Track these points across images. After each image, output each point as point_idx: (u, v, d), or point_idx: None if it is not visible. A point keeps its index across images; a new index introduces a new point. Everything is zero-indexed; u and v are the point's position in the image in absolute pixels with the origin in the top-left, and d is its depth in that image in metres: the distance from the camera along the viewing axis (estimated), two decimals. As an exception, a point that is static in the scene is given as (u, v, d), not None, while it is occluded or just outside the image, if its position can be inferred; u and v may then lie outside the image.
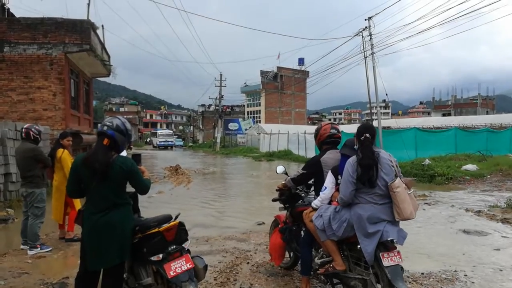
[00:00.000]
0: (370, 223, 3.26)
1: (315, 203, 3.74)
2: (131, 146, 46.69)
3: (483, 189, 12.08)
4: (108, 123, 3.23)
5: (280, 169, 4.84)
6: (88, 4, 14.92)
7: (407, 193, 3.29)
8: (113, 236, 3.09)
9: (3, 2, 14.25)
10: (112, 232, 3.08)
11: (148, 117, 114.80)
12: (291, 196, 4.50)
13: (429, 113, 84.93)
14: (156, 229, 3.22)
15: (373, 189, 3.31)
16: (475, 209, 8.78)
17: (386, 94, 18.84)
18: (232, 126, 57.06)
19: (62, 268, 5.20)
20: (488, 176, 14.14)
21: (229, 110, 64.74)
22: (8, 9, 14.68)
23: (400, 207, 3.23)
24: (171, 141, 57.18)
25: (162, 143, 55.31)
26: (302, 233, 4.19)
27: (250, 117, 63.72)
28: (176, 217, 3.41)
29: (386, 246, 3.25)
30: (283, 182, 4.48)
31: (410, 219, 3.30)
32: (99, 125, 3.47)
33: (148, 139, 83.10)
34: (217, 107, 49.39)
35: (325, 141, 4.12)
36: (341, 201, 3.42)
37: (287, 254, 4.77)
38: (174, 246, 3.22)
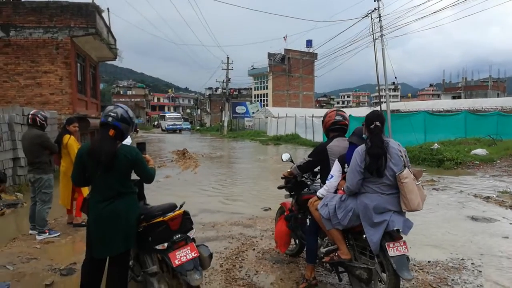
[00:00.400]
0: (376, 213, 3.22)
1: (321, 191, 3.70)
2: (137, 129, 46.92)
3: (492, 174, 11.96)
4: (112, 114, 3.19)
5: (285, 156, 4.79)
6: (93, -13, 14.73)
7: (415, 184, 3.24)
8: (118, 225, 3.10)
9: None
10: (117, 221, 3.09)
11: (155, 100, 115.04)
12: (297, 183, 4.46)
13: (439, 96, 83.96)
14: (161, 218, 3.21)
15: (380, 179, 3.26)
16: (484, 195, 8.69)
17: (395, 77, 18.60)
18: (240, 109, 56.90)
19: (70, 253, 5.27)
20: (498, 161, 13.97)
21: (236, 93, 64.54)
22: (13, -8, 14.57)
23: (408, 198, 3.19)
24: (180, 125, 56.61)
25: (171, 126, 54.81)
26: (308, 221, 4.16)
27: (258, 101, 63.49)
28: (181, 206, 3.40)
29: (392, 236, 3.22)
30: (289, 169, 4.44)
31: (417, 210, 3.25)
32: (102, 114, 3.44)
33: (156, 122, 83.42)
34: (224, 90, 49.25)
35: (331, 128, 4.06)
36: (348, 190, 3.38)
37: (292, 241, 4.76)
38: (179, 235, 3.22)
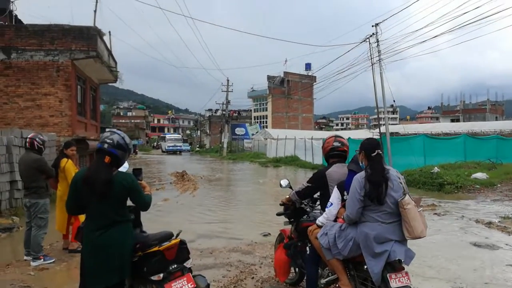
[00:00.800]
0: (377, 243, 3.15)
1: (320, 220, 3.63)
2: (137, 151, 46.86)
3: (493, 199, 11.86)
4: (108, 140, 3.15)
5: (284, 182, 4.74)
6: (95, 11, 15.00)
7: (417, 211, 3.18)
8: (112, 255, 3.01)
9: (11, 9, 14.33)
10: (111, 251, 3.01)
11: (155, 121, 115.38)
12: (296, 210, 4.39)
13: (437, 119, 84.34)
14: (157, 248, 3.13)
15: (381, 206, 3.20)
16: (485, 220, 8.58)
17: (394, 101, 18.74)
18: (239, 131, 57.02)
19: (65, 281, 5.15)
20: (499, 185, 13.89)
21: (236, 115, 64.85)
22: (16, 15, 14.79)
23: (411, 225, 3.12)
24: (180, 146, 56.35)
25: (171, 147, 54.61)
26: (308, 249, 4.07)
27: (257, 122, 63.70)
28: (178, 234, 3.32)
29: (394, 266, 3.14)
30: (288, 196, 4.38)
31: (420, 237, 3.18)
32: (100, 138, 3.40)
33: (155, 144, 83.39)
34: (224, 112, 49.44)
35: (330, 154, 4.04)
36: (347, 219, 3.31)
37: (292, 270, 4.65)
38: (175, 265, 3.13)
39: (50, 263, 5.71)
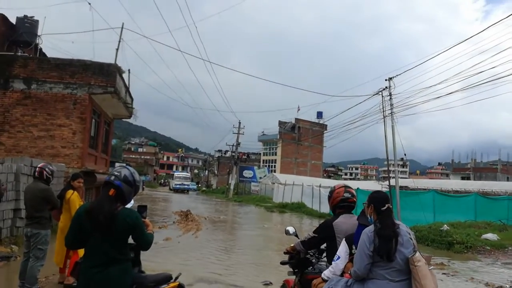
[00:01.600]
0: (384, 303, 3.00)
1: (326, 273, 3.50)
2: (144, 187, 46.74)
3: (504, 262, 11.43)
4: (116, 173, 3.14)
5: (291, 229, 4.64)
6: (117, 49, 15.52)
7: (428, 269, 3.06)
8: (109, 294, 2.90)
9: (37, 42, 14.92)
10: (107, 289, 2.90)
11: (165, 158, 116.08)
12: (301, 260, 4.25)
13: (447, 175, 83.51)
14: (154, 291, 3.03)
15: (390, 263, 3.08)
16: (496, 284, 8.24)
17: (405, 154, 18.61)
18: (247, 173, 56.84)
19: (56, 317, 4.96)
20: (510, 248, 13.43)
21: (245, 157, 64.89)
22: (41, 49, 15.35)
23: (422, 283, 2.98)
24: (187, 185, 55.09)
25: (178, 186, 53.52)
26: (311, 303, 3.90)
27: (266, 166, 63.62)
28: (177, 277, 3.22)
29: (402, 329, 2.97)
30: (292, 244, 4.26)
31: None
32: (114, 167, 3.40)
33: (163, 180, 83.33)
34: (233, 154, 49.61)
35: (339, 205, 3.95)
36: (355, 274, 3.18)
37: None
38: (172, 310, 3.01)
39: (44, 297, 5.55)
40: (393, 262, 3.06)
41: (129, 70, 17.02)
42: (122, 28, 16.98)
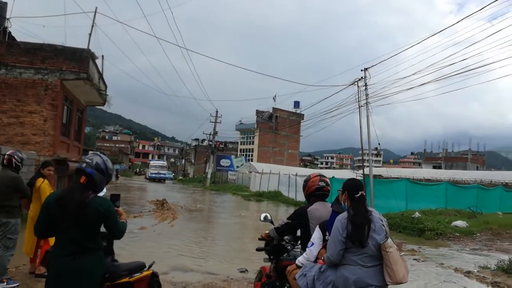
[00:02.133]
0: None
1: (300, 260, 3.54)
2: (118, 175, 45.99)
3: (472, 248, 11.85)
4: (88, 160, 3.06)
5: (264, 216, 4.65)
6: (90, 34, 15.09)
7: (399, 255, 3.13)
8: (79, 283, 2.85)
9: (5, 25, 14.33)
10: (79, 279, 2.84)
11: (140, 147, 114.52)
12: (277, 247, 4.28)
13: (419, 164, 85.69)
14: (127, 279, 2.99)
15: (362, 249, 3.13)
16: (464, 269, 8.53)
17: (379, 144, 18.96)
18: (224, 162, 56.71)
19: (26, 308, 4.85)
20: (478, 234, 13.93)
21: (222, 146, 64.70)
22: (10, 32, 14.76)
23: (393, 269, 3.05)
24: (164, 174, 53.62)
25: (154, 175, 51.84)
26: (285, 289, 3.94)
27: (243, 155, 63.67)
28: (150, 266, 3.18)
29: (373, 313, 3.03)
30: (267, 231, 4.28)
31: (402, 282, 3.10)
32: (87, 155, 3.31)
33: (138, 169, 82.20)
34: (211, 143, 49.39)
35: (313, 194, 3.99)
36: (328, 260, 3.23)
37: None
38: (145, 299, 2.98)
39: (14, 287, 5.41)
40: (366, 248, 3.12)
41: (102, 56, 16.63)
42: (95, 12, 16.51)
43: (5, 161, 5.78)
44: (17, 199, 5.70)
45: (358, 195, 3.28)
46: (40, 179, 6.03)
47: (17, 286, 5.47)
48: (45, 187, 5.96)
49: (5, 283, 5.40)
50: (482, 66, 15.08)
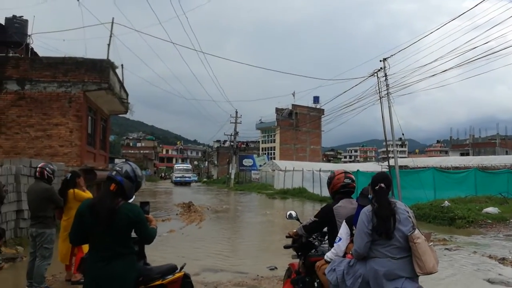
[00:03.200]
0: (388, 280, 3.05)
1: (328, 255, 3.55)
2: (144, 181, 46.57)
3: (506, 234, 11.55)
4: (118, 169, 3.17)
5: (291, 214, 4.68)
6: (109, 45, 15.38)
7: (427, 245, 3.10)
8: (115, 287, 2.95)
9: (27, 42, 14.80)
10: (114, 283, 2.95)
11: (164, 152, 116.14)
12: (304, 244, 4.30)
13: (446, 152, 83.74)
14: (160, 282, 3.08)
15: (390, 241, 3.12)
16: (499, 256, 8.33)
17: (403, 134, 18.65)
18: (247, 162, 56.92)
19: (65, 314, 5.02)
20: (511, 220, 13.56)
21: (244, 146, 64.89)
22: (32, 48, 15.22)
23: (422, 259, 3.03)
24: (189, 177, 51.72)
25: (179, 179, 50.34)
26: (316, 284, 3.96)
27: (265, 154, 63.72)
28: (182, 267, 3.26)
29: (405, 305, 3.02)
30: (295, 230, 4.31)
31: (432, 273, 3.08)
32: (114, 162, 3.42)
33: (163, 174, 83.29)
34: (232, 143, 49.63)
35: (339, 191, 3.99)
36: (356, 253, 3.23)
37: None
38: (178, 300, 3.06)
39: (52, 295, 5.60)
40: (392, 239, 3.11)
41: (122, 65, 16.93)
42: (112, 23, 16.80)
43: (37, 173, 6.00)
44: (51, 210, 5.90)
45: (377, 187, 3.27)
46: (71, 190, 6.21)
47: (55, 293, 5.67)
48: (80, 193, 6.15)
49: (44, 291, 5.60)
50: (506, 48, 14.63)
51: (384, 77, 17.10)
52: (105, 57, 14.50)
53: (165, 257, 7.05)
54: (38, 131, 13.23)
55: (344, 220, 3.57)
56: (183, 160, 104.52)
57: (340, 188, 4.00)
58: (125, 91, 17.79)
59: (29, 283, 5.77)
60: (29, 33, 15.01)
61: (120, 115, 21.19)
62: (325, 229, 4.16)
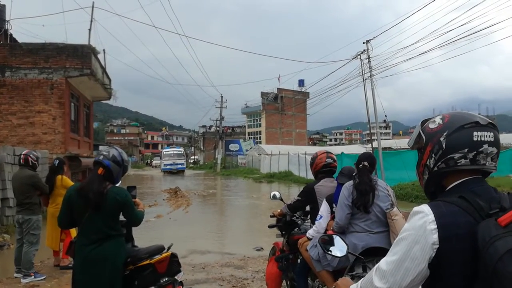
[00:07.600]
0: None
1: (310, 232, 3.69)
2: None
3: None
4: (104, 153, 3.22)
5: (272, 195, 4.82)
6: (90, 30, 15.15)
7: (405, 222, 3.25)
8: (104, 269, 3.03)
9: (6, 28, 14.45)
10: (103, 265, 3.03)
11: (149, 138, 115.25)
12: (287, 223, 4.46)
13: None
14: (148, 261, 3.17)
15: (367, 215, 3.29)
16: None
17: (386, 116, 18.90)
18: (233, 147, 56.94)
19: (55, 297, 5.11)
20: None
21: (230, 131, 64.86)
22: (11, 34, 14.89)
23: (398, 234, 3.18)
24: (182, 164, 43.06)
25: (168, 167, 41.77)
26: (299, 261, 4.12)
27: (251, 138, 63.82)
28: (169, 248, 3.36)
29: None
30: (279, 210, 4.45)
31: None
32: (98, 150, 3.48)
33: (149, 161, 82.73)
34: (218, 128, 49.55)
35: (321, 170, 4.13)
36: (337, 225, 3.38)
37: (284, 283, 4.67)
38: (166, 278, 3.18)
39: (41, 280, 5.67)
40: (370, 214, 3.28)
41: (104, 50, 16.69)
42: (92, 7, 16.51)
43: (21, 160, 5.99)
44: (37, 196, 5.93)
45: (361, 165, 3.43)
46: (59, 176, 6.23)
47: (44, 278, 5.74)
48: (67, 179, 6.21)
49: (33, 276, 5.67)
50: (487, 28, 14.88)
51: (367, 59, 17.25)
52: (86, 43, 14.30)
53: (152, 241, 7.13)
54: (21, 118, 13.05)
55: (325, 199, 3.71)
56: (169, 146, 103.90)
57: (322, 167, 4.13)
58: (107, 76, 17.57)
59: (17, 269, 5.84)
60: (7, 18, 14.67)
61: (103, 101, 20.95)
62: (308, 208, 4.31)
